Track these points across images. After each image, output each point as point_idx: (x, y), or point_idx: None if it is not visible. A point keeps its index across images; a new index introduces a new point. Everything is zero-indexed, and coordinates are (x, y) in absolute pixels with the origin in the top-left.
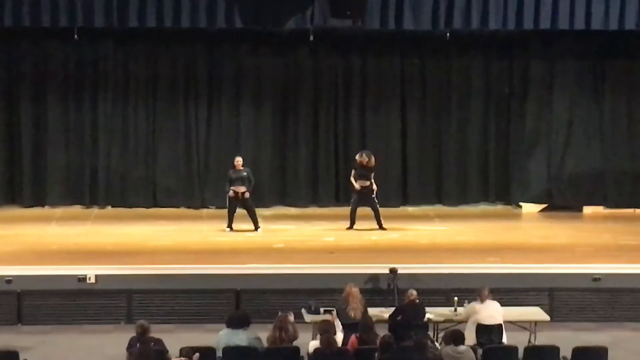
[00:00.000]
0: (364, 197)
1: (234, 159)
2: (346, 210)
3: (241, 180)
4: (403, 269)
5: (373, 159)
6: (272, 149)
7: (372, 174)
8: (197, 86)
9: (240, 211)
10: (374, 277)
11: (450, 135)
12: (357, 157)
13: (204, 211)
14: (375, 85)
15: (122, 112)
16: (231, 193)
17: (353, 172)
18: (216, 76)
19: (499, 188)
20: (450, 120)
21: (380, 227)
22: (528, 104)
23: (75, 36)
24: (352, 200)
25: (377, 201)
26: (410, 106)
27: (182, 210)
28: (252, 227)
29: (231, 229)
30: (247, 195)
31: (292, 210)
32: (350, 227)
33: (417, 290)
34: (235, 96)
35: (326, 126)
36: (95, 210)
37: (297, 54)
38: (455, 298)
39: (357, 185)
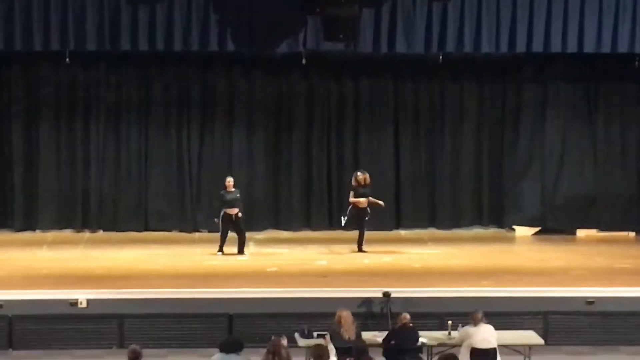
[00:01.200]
0: (363, 215)
1: (224, 180)
2: (340, 234)
3: (235, 202)
4: (396, 292)
5: (367, 176)
6: (264, 172)
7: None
8: (190, 109)
9: (231, 234)
10: (367, 301)
11: (443, 159)
12: (358, 175)
13: (197, 235)
14: (368, 109)
15: (114, 135)
16: (224, 214)
17: (352, 193)
18: (209, 99)
19: (492, 211)
20: (443, 143)
21: (360, 249)
22: (521, 128)
23: (67, 59)
24: (358, 220)
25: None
26: (403, 129)
27: (174, 234)
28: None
29: (222, 252)
30: (240, 216)
31: (285, 234)
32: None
33: (410, 314)
34: (228, 119)
35: (319, 149)
36: (86, 235)
37: (290, 76)
38: (449, 322)
39: (362, 200)
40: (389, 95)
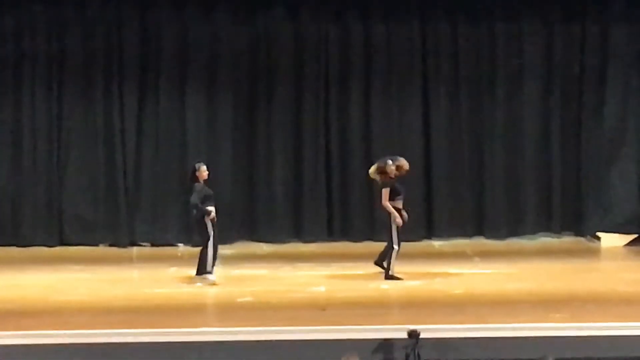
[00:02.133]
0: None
1: (195, 167)
2: (344, 247)
3: (213, 200)
4: (427, 331)
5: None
6: (233, 157)
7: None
8: (123, 65)
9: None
10: (385, 345)
11: (494, 137)
12: (385, 165)
13: (134, 250)
14: (384, 64)
15: (11, 106)
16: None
17: (384, 191)
18: (151, 49)
19: (566, 213)
20: (494, 114)
21: (379, 264)
22: (608, 89)
23: None
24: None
25: None
26: (435, 94)
27: (102, 250)
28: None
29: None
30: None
31: (265, 248)
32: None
33: None
34: (179, 79)
35: (312, 123)
36: None
37: (270, 16)
38: None
39: (398, 219)
40: (414, 44)
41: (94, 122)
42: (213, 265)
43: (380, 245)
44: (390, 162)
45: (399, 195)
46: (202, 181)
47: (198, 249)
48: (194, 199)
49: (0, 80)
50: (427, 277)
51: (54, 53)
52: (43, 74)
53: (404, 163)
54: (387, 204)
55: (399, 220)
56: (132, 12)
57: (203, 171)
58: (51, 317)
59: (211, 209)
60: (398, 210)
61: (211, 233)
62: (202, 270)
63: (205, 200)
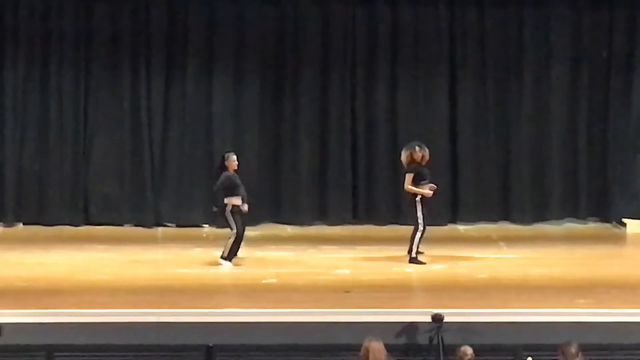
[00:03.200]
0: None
1: (224, 157)
2: (369, 230)
3: (240, 189)
4: (451, 315)
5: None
6: (259, 140)
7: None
8: (150, 48)
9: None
10: (409, 328)
11: (520, 120)
12: (412, 151)
13: (160, 230)
14: (411, 47)
15: (38, 85)
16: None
17: (408, 176)
18: (178, 33)
19: (592, 199)
20: (521, 96)
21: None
22: (636, 75)
23: None
24: (418, 213)
25: None
26: (462, 79)
27: (128, 230)
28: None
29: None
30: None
31: (289, 230)
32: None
33: (472, 346)
34: (206, 60)
35: (339, 106)
36: None
37: None
38: (529, 359)
39: (427, 191)
40: (441, 28)
41: (120, 102)
42: (234, 253)
43: (405, 229)
44: (417, 148)
45: (424, 180)
46: (231, 171)
47: (223, 230)
48: (216, 187)
49: (28, 61)
50: (452, 261)
51: (81, 33)
52: (70, 54)
53: (423, 152)
54: (410, 187)
55: (427, 192)
56: None
57: (232, 161)
58: (75, 296)
59: (236, 200)
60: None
61: (233, 225)
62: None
63: (231, 189)
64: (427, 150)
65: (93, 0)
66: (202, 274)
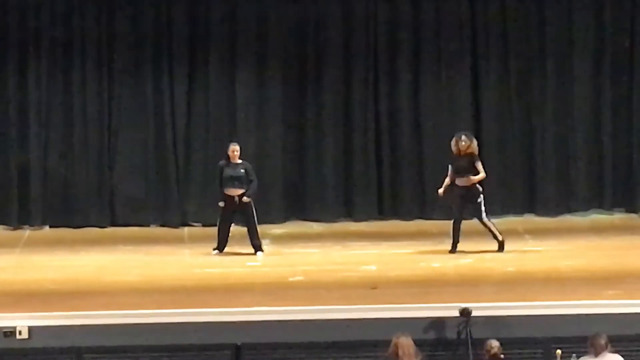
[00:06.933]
0: (466, 200)
1: (227, 147)
2: (395, 225)
3: (237, 180)
4: (479, 309)
5: (472, 142)
6: (283, 136)
7: (478, 164)
8: (172, 47)
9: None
10: (437, 323)
11: (544, 113)
12: (461, 140)
13: (186, 230)
14: (433, 42)
15: (62, 86)
16: (224, 196)
17: (450, 171)
18: (200, 31)
19: (617, 189)
20: (545, 90)
21: (500, 248)
22: None
23: None
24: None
25: (483, 208)
26: (485, 70)
27: (154, 230)
28: (251, 250)
29: (220, 251)
30: (245, 200)
31: (315, 227)
32: (453, 250)
33: (500, 340)
34: (229, 59)
35: (362, 103)
36: (26, 233)
37: None
38: (558, 351)
39: (456, 181)
40: (463, 21)
41: (144, 102)
42: (219, 244)
43: (431, 223)
44: (460, 137)
45: (457, 172)
46: (231, 161)
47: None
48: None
49: (51, 62)
50: (478, 255)
51: (103, 34)
52: (93, 54)
53: (460, 144)
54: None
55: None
56: None
57: (232, 150)
58: (103, 297)
59: (227, 190)
60: (451, 185)
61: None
62: (256, 246)
63: (224, 179)
64: (470, 139)
65: (115, 3)
66: (229, 273)
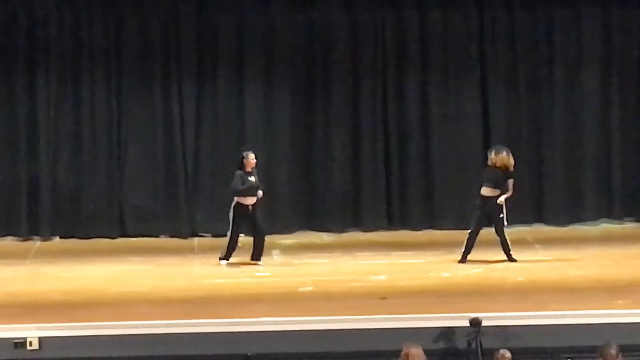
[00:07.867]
0: (488, 212)
1: (243, 155)
2: (404, 235)
3: (258, 188)
4: (489, 319)
5: (508, 157)
6: (291, 146)
7: (509, 180)
8: (181, 58)
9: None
10: (447, 333)
11: (552, 122)
12: (493, 155)
13: (196, 241)
14: (441, 51)
15: (72, 98)
16: (237, 205)
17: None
18: (208, 42)
19: (627, 199)
20: (552, 99)
21: (509, 259)
22: None
23: None
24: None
25: (505, 222)
26: (493, 80)
27: (163, 241)
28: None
29: (227, 260)
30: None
31: (324, 237)
32: (463, 261)
33: (511, 350)
34: (237, 70)
35: (371, 112)
36: (36, 244)
37: (326, 6)
38: None
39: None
40: (471, 31)
41: (152, 113)
42: (229, 253)
43: (440, 233)
44: (491, 152)
45: (487, 182)
46: (250, 169)
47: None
48: (236, 184)
49: (60, 73)
50: (489, 265)
51: (111, 45)
52: (101, 65)
53: (491, 157)
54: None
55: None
56: (189, 2)
57: (251, 159)
58: (113, 308)
59: (241, 199)
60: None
61: (231, 222)
62: (258, 255)
63: (250, 189)
64: (502, 153)
65: (122, 13)
66: (238, 284)
